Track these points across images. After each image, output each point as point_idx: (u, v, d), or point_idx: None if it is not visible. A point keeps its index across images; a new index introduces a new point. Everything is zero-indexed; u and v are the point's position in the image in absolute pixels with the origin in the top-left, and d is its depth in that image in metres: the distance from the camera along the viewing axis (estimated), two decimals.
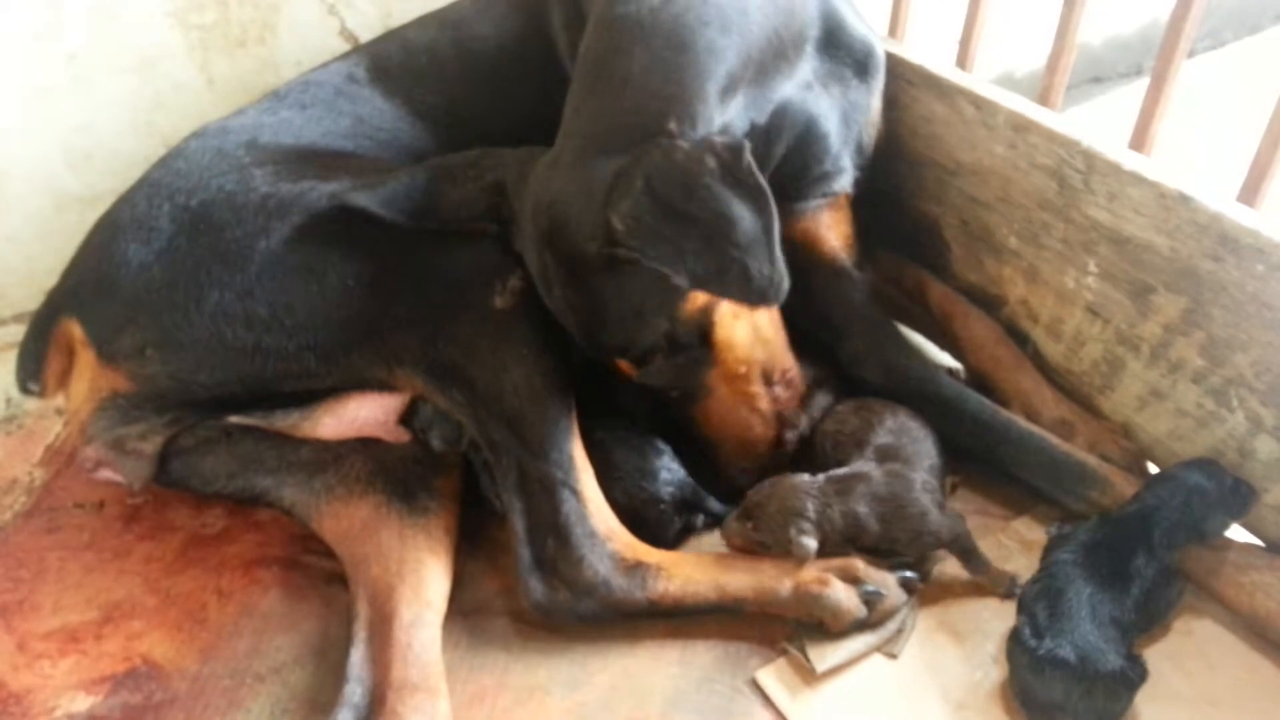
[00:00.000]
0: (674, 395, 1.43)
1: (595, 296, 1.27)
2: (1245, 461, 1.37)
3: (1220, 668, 1.28)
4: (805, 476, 1.37)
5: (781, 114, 1.41)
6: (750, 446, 1.46)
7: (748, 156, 1.18)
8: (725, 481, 1.48)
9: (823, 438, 1.49)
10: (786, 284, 1.22)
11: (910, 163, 1.70)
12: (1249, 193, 1.42)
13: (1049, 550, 1.34)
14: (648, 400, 1.48)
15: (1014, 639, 1.24)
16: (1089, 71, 2.75)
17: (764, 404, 1.44)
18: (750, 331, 1.40)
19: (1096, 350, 1.52)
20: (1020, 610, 1.26)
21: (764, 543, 1.35)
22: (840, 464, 1.42)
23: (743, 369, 1.40)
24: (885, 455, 1.40)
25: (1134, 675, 1.18)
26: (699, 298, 1.31)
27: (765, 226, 1.19)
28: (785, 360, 1.47)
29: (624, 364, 1.37)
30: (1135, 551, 1.27)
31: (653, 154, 1.19)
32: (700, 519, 1.47)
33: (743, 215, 1.18)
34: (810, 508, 1.33)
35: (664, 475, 1.45)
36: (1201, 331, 1.37)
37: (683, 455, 1.49)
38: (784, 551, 1.33)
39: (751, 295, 1.21)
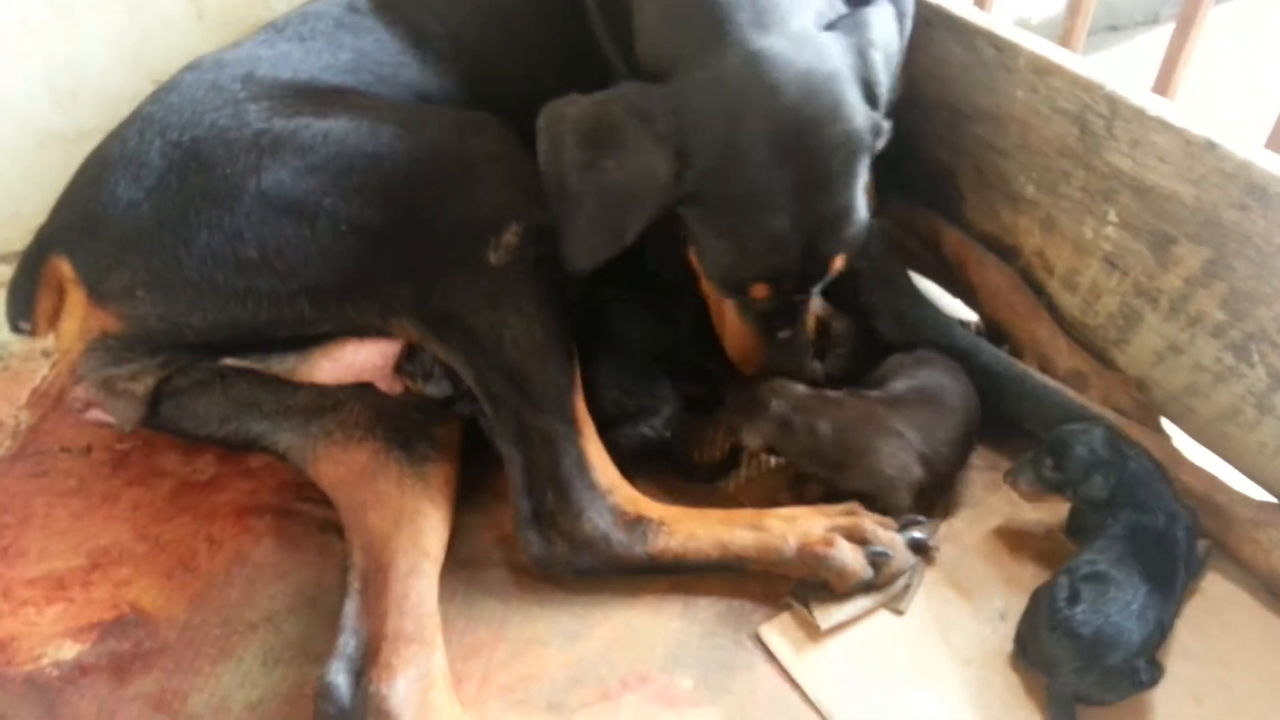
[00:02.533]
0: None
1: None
2: (1264, 418, 1.34)
3: (1234, 627, 1.26)
4: (796, 385, 1.38)
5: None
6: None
7: None
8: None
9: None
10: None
11: (924, 107, 1.64)
12: (1277, 141, 1.37)
13: (1089, 526, 1.29)
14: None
15: (1046, 596, 1.20)
16: (1106, 19, 2.68)
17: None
18: None
19: (1113, 303, 1.48)
20: (1065, 574, 1.21)
21: (729, 427, 1.39)
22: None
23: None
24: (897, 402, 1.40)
25: (1148, 678, 1.15)
26: None
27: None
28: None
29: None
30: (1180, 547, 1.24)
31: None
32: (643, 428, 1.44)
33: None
34: (775, 408, 1.34)
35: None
36: (1223, 284, 1.33)
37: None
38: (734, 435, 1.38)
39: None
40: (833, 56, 1.21)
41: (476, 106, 1.41)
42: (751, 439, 1.36)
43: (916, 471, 1.35)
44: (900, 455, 1.34)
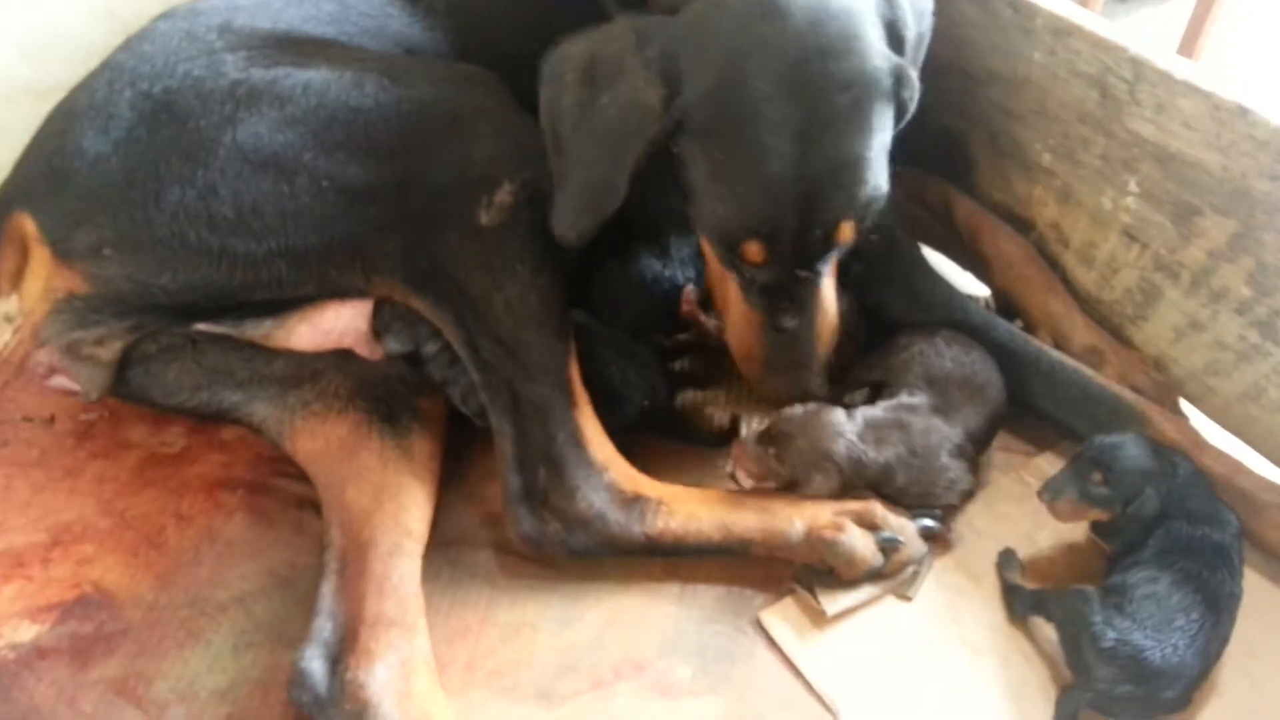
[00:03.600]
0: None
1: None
2: None
3: (1259, 616, 1.19)
4: (841, 415, 1.26)
5: None
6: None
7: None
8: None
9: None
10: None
11: (935, 71, 1.54)
12: None
13: (1128, 533, 1.21)
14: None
15: (1095, 610, 1.10)
16: None
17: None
18: None
19: (1131, 278, 1.42)
20: (1116, 592, 1.13)
21: (778, 473, 1.25)
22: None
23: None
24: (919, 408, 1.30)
25: (1183, 703, 1.10)
26: None
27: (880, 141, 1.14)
28: None
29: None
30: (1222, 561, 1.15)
31: None
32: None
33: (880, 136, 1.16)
34: (842, 451, 1.23)
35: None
36: (1250, 258, 1.27)
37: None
38: (793, 485, 1.24)
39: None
40: None
41: (468, 61, 1.34)
42: (822, 489, 1.24)
43: (969, 480, 1.28)
44: (959, 466, 1.27)
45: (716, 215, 1.17)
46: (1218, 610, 1.11)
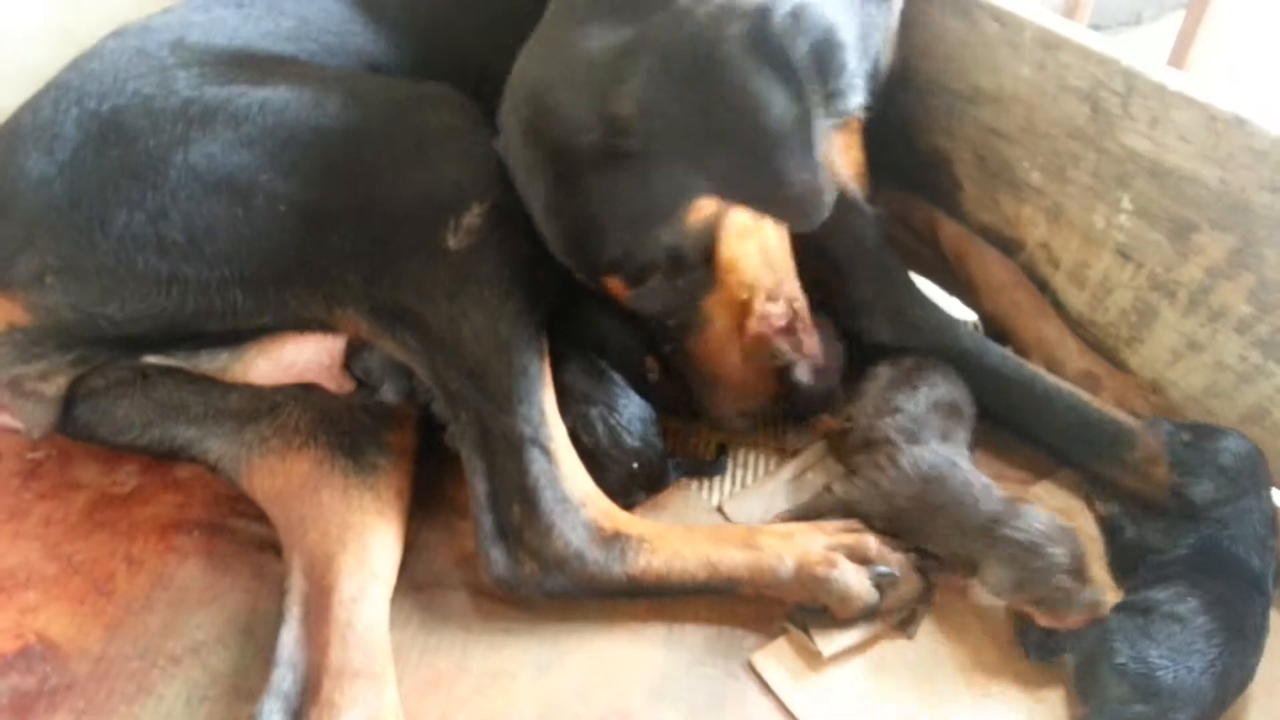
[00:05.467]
0: (670, 324, 1.25)
1: (588, 200, 1.10)
2: None
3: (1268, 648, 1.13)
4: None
5: (799, 12, 1.23)
6: (750, 385, 1.29)
7: (776, 28, 1.02)
8: (716, 424, 1.34)
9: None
10: (832, 195, 1.06)
11: (920, 90, 1.53)
12: None
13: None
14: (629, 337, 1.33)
15: (1115, 632, 1.08)
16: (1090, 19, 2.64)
17: (765, 333, 1.27)
18: (759, 251, 1.22)
19: (1126, 298, 1.37)
20: (1133, 611, 1.10)
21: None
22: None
23: (746, 295, 1.23)
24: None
25: None
26: (707, 206, 1.14)
27: (802, 116, 1.03)
28: (792, 288, 1.28)
29: (615, 284, 1.20)
30: (1253, 587, 1.11)
31: (666, 22, 1.02)
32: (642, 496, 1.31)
33: (774, 98, 1.02)
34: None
35: (644, 431, 1.29)
36: (1250, 274, 1.22)
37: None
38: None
39: (788, 206, 1.08)
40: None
41: (433, 79, 1.28)
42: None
43: None
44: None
45: None
46: (1243, 639, 1.06)
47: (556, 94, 1.09)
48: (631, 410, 1.29)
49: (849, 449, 1.32)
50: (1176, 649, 1.04)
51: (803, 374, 1.30)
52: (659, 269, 1.16)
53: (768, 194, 1.08)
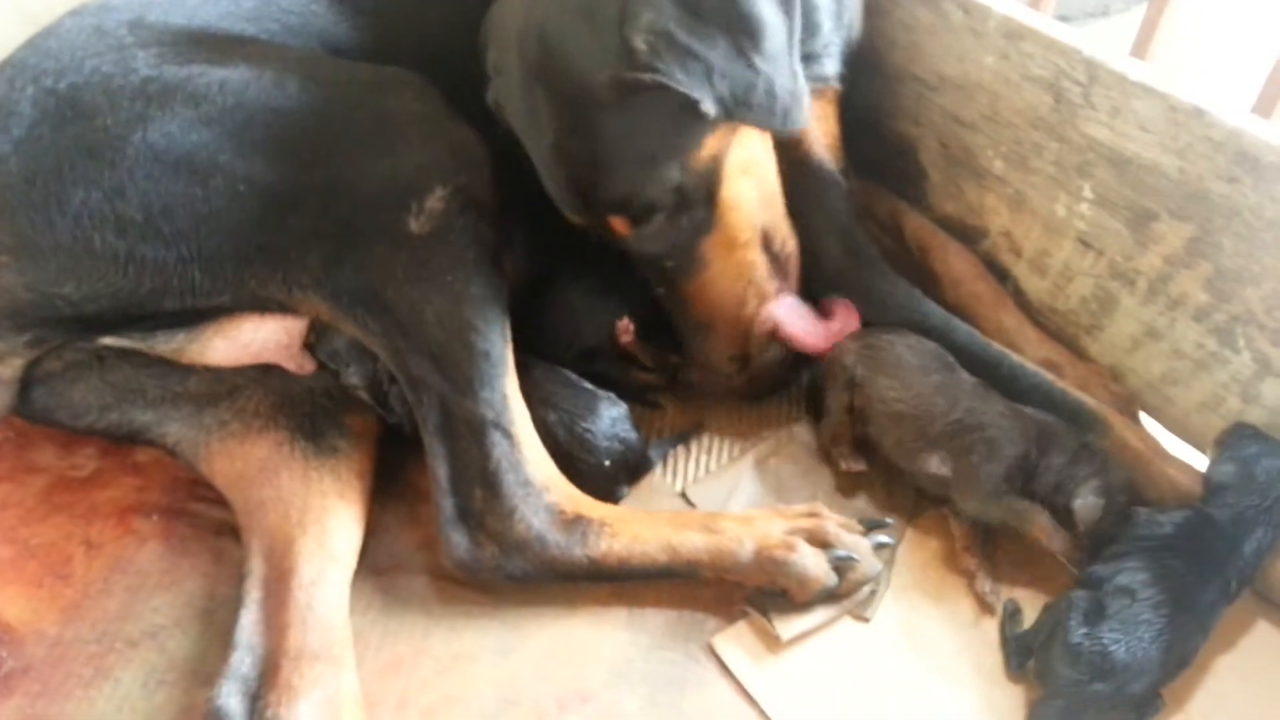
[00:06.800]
0: (667, 266, 1.27)
1: (599, 139, 1.12)
2: (1249, 408, 1.25)
3: (1222, 632, 1.14)
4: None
5: None
6: (745, 328, 1.30)
7: None
8: (710, 375, 1.35)
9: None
10: (808, 99, 1.11)
11: (887, 78, 1.54)
12: (1263, 110, 1.28)
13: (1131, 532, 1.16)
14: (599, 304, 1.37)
15: (1066, 610, 1.09)
16: (1055, 10, 2.65)
17: (762, 274, 1.29)
18: (756, 189, 1.25)
19: (1086, 286, 1.39)
20: (1089, 587, 1.11)
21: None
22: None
23: (745, 234, 1.25)
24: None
25: (1154, 711, 1.07)
26: (711, 144, 1.16)
27: (789, 32, 1.08)
28: (784, 226, 1.31)
29: (619, 223, 1.21)
30: (1215, 574, 1.11)
31: None
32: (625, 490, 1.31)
33: (772, 20, 1.06)
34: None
35: (612, 428, 1.29)
36: (1208, 263, 1.24)
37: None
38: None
39: (775, 116, 1.11)
40: None
41: (397, 63, 1.27)
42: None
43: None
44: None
45: None
46: (1189, 612, 1.07)
47: (565, 31, 1.09)
48: (599, 410, 1.28)
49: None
50: (1125, 621, 1.05)
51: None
52: (664, 208, 1.18)
53: (762, 109, 1.11)
